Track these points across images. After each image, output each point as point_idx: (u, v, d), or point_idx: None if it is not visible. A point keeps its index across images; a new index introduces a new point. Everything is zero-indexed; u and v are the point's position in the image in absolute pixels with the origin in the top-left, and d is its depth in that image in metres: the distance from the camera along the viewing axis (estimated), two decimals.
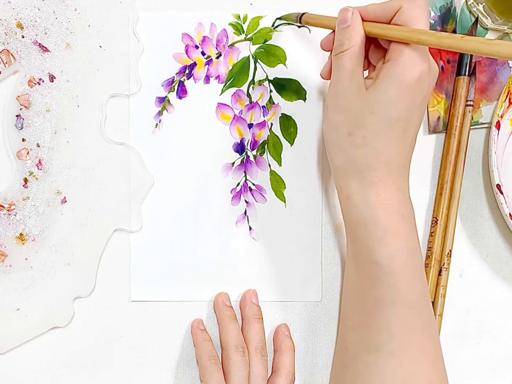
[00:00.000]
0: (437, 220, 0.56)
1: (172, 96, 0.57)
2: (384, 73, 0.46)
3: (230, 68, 0.57)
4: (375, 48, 0.50)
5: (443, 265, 0.56)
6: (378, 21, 0.47)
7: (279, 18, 0.57)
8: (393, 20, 0.46)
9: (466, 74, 0.57)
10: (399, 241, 0.47)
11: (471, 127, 0.57)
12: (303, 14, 0.54)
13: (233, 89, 0.57)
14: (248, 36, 0.57)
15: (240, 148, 0.57)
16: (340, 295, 0.58)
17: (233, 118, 0.57)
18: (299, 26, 0.56)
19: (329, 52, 0.52)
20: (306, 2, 0.57)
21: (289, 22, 0.56)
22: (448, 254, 0.57)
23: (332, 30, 0.51)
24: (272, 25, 0.57)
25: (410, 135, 0.48)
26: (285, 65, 0.57)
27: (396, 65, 0.45)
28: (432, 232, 0.57)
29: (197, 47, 0.57)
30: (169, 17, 0.56)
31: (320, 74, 0.54)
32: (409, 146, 0.48)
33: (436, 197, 0.57)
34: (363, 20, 0.48)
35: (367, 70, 0.51)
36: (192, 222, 0.57)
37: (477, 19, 0.57)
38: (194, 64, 0.57)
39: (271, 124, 0.57)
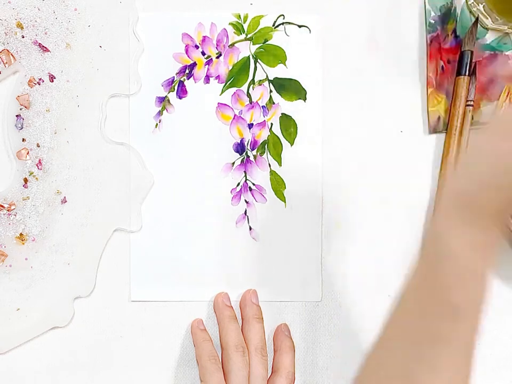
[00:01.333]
0: None
1: (172, 96, 0.57)
2: None
3: (230, 67, 0.57)
4: None
5: None
6: None
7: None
8: None
9: (467, 74, 0.57)
10: (479, 285, 0.44)
11: (471, 127, 0.57)
12: None
13: (233, 89, 0.57)
14: (249, 36, 0.57)
15: (240, 148, 0.57)
16: (340, 295, 0.58)
17: (233, 118, 0.57)
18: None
19: None
20: (306, 2, 0.57)
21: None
22: None
23: None
24: (273, 25, 0.57)
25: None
26: (285, 65, 0.57)
27: None
28: None
29: (197, 47, 0.57)
30: (169, 17, 0.56)
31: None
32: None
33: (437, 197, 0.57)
34: None
35: None
36: (192, 222, 0.57)
37: (477, 19, 0.57)
38: (194, 64, 0.57)
39: (271, 124, 0.57)
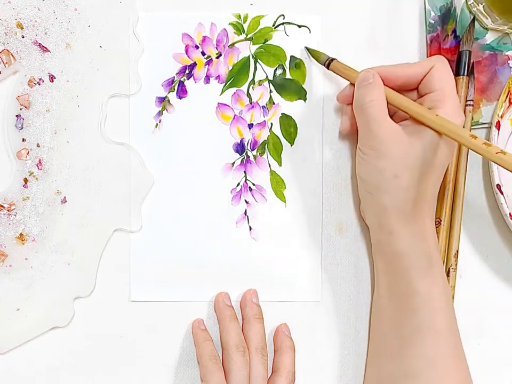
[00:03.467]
0: (440, 221, 0.56)
1: (172, 96, 0.57)
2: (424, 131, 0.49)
3: (230, 68, 0.57)
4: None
5: (451, 266, 0.56)
6: (408, 81, 0.51)
7: (307, 48, 0.57)
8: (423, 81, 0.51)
9: (465, 74, 0.57)
10: (437, 270, 0.50)
11: (471, 127, 0.57)
12: (333, 59, 0.55)
13: (233, 89, 0.57)
14: (249, 36, 0.57)
15: (240, 148, 0.57)
16: (340, 295, 0.58)
17: (233, 118, 0.57)
18: (327, 65, 0.56)
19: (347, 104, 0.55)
20: (306, 2, 0.57)
21: (313, 56, 0.57)
22: (455, 254, 0.56)
23: (349, 83, 0.54)
24: (273, 25, 0.57)
25: (438, 181, 0.52)
26: (285, 65, 0.57)
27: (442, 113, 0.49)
28: (436, 233, 0.56)
29: (197, 47, 0.57)
30: (169, 17, 0.56)
31: (337, 98, 0.56)
32: (436, 186, 0.52)
33: (439, 197, 0.57)
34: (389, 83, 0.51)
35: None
36: (192, 222, 0.57)
37: (473, 18, 0.57)
38: (194, 64, 0.57)
39: (271, 124, 0.57)
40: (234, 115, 0.57)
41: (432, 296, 0.49)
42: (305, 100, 0.57)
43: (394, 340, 0.51)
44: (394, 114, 0.53)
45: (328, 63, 0.55)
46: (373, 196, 0.51)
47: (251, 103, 0.57)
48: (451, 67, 0.51)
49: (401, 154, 0.48)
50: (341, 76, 0.54)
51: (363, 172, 0.52)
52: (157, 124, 0.57)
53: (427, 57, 0.58)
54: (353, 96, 0.52)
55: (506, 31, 0.58)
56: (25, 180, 0.54)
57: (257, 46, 0.57)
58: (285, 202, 0.57)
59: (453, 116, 0.49)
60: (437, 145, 0.49)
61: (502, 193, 0.54)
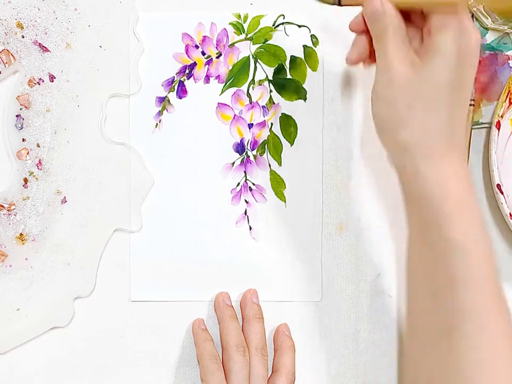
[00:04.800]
0: None
1: (172, 96, 0.57)
2: (440, 42, 0.45)
3: (230, 67, 0.57)
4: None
5: None
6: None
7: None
8: None
9: None
10: (470, 214, 0.45)
11: (472, 127, 0.57)
12: None
13: (233, 89, 0.57)
14: (249, 36, 0.57)
15: (240, 148, 0.57)
16: (339, 295, 0.58)
17: (233, 118, 0.57)
18: (338, 1, 0.50)
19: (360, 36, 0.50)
20: (306, 2, 0.57)
21: (324, 2, 0.52)
22: None
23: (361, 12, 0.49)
24: (273, 25, 0.57)
25: (466, 102, 0.47)
26: (285, 65, 0.57)
27: (453, 34, 0.44)
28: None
29: (197, 46, 0.57)
30: (169, 17, 0.56)
31: (349, 26, 0.50)
32: (465, 114, 0.47)
33: None
34: None
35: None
36: (192, 222, 0.57)
37: (472, 16, 0.57)
38: (195, 64, 0.57)
39: (271, 123, 0.57)
40: (234, 115, 0.57)
41: (466, 245, 0.44)
42: (305, 99, 0.57)
43: (428, 292, 0.47)
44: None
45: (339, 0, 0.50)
46: (392, 134, 0.47)
47: (251, 103, 0.57)
48: None
49: (415, 83, 0.45)
50: (356, 5, 0.49)
51: (377, 108, 0.47)
52: (157, 124, 0.57)
53: None
54: (365, 23, 0.48)
55: (506, 31, 0.58)
56: (25, 180, 0.54)
57: (257, 45, 0.57)
58: (285, 202, 0.57)
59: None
60: (455, 64, 0.45)
61: (502, 193, 0.54)
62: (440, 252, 0.45)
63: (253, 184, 0.57)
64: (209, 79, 0.57)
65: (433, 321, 0.46)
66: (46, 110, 0.55)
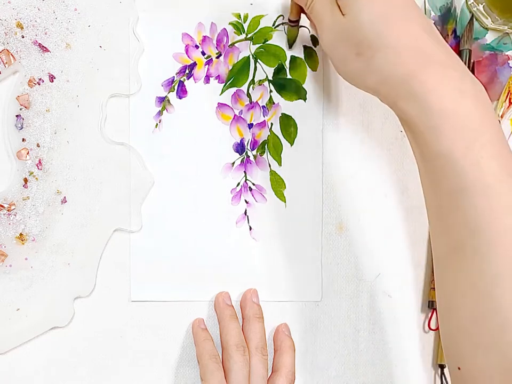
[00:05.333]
0: None
1: (172, 96, 0.57)
2: None
3: (230, 67, 0.57)
4: None
5: None
6: None
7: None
8: None
9: None
10: (457, 123, 0.42)
11: None
12: None
13: (233, 89, 0.57)
14: (249, 36, 0.57)
15: (240, 148, 0.57)
16: (339, 295, 0.58)
17: (233, 118, 0.57)
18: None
19: None
20: None
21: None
22: None
23: None
24: (273, 25, 0.57)
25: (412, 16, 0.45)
26: (285, 65, 0.57)
27: None
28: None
29: (197, 46, 0.57)
30: (169, 17, 0.56)
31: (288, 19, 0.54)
32: (423, 27, 0.45)
33: None
34: None
35: None
36: (192, 222, 0.57)
37: (472, 17, 0.57)
38: (194, 64, 0.57)
39: (271, 123, 0.57)
40: (234, 115, 0.57)
41: (455, 156, 0.41)
42: (305, 99, 0.57)
43: (436, 212, 0.45)
44: None
45: None
46: (361, 85, 0.47)
47: (251, 103, 0.57)
48: None
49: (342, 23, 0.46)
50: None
51: (341, 71, 0.48)
52: (157, 124, 0.57)
53: None
54: None
55: (506, 31, 0.58)
56: (25, 180, 0.54)
57: (257, 45, 0.57)
58: (285, 202, 0.57)
59: None
60: None
61: None
62: (434, 168, 0.43)
63: (253, 184, 0.57)
64: (209, 79, 0.57)
65: (444, 239, 0.44)
66: (46, 110, 0.55)
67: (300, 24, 0.55)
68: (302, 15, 0.54)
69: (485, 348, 0.41)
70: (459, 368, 0.43)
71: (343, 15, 0.46)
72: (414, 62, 0.43)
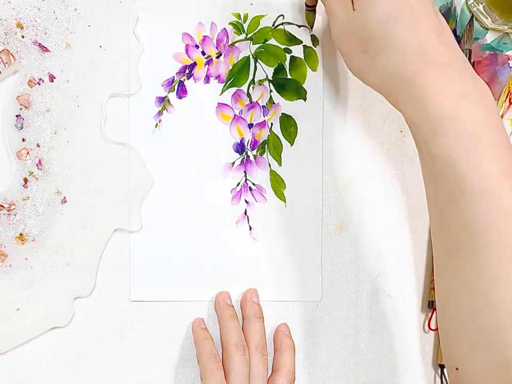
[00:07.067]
0: None
1: (172, 96, 0.57)
2: None
3: (230, 67, 0.57)
4: None
5: None
6: None
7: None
8: None
9: None
10: (457, 127, 0.42)
11: None
12: None
13: (233, 89, 0.57)
14: (249, 36, 0.57)
15: (240, 148, 0.57)
16: (339, 295, 0.58)
17: (233, 118, 0.57)
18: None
19: None
20: None
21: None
22: None
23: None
24: (273, 25, 0.57)
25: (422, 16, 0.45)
26: (285, 65, 0.57)
27: None
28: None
29: (197, 46, 0.57)
30: (169, 17, 0.56)
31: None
32: (432, 27, 0.45)
33: None
34: None
35: None
36: (192, 222, 0.57)
37: (472, 15, 0.57)
38: (195, 64, 0.57)
39: (271, 123, 0.57)
40: (234, 115, 0.57)
41: (453, 159, 0.42)
42: (305, 99, 0.57)
43: (435, 212, 0.45)
44: None
45: None
46: (371, 70, 0.47)
47: (251, 103, 0.57)
48: None
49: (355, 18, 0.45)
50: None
51: (349, 65, 0.48)
52: (157, 124, 0.57)
53: None
54: None
55: (506, 31, 0.58)
56: (25, 180, 0.54)
57: (257, 45, 0.57)
58: (285, 202, 0.57)
59: None
60: None
61: None
62: (433, 169, 0.43)
63: (253, 184, 0.57)
64: (209, 79, 0.57)
65: (442, 240, 0.44)
66: (46, 110, 0.55)
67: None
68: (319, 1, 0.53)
69: (482, 348, 0.41)
70: (457, 369, 0.43)
71: (354, 10, 0.46)
72: (416, 65, 0.44)
